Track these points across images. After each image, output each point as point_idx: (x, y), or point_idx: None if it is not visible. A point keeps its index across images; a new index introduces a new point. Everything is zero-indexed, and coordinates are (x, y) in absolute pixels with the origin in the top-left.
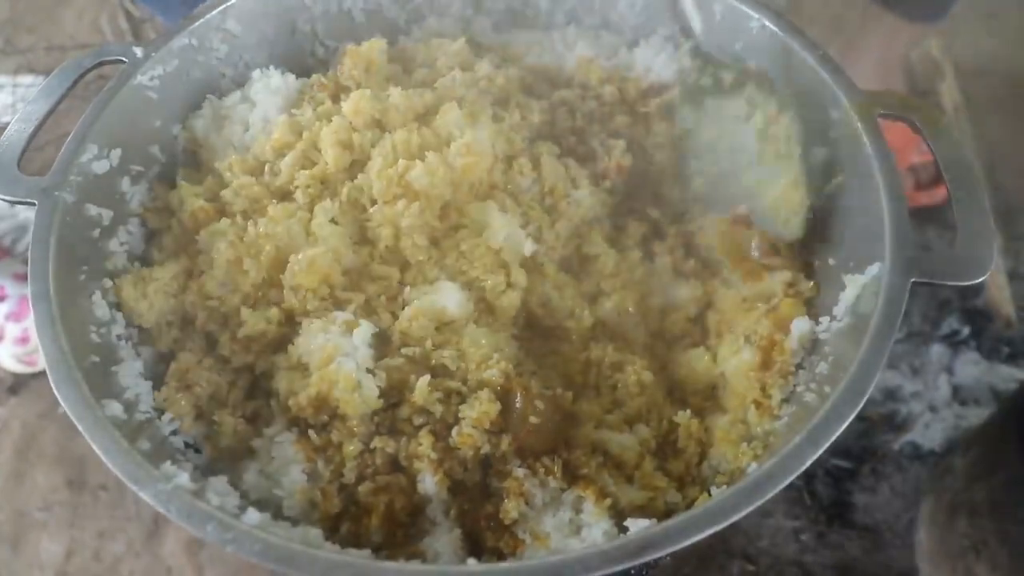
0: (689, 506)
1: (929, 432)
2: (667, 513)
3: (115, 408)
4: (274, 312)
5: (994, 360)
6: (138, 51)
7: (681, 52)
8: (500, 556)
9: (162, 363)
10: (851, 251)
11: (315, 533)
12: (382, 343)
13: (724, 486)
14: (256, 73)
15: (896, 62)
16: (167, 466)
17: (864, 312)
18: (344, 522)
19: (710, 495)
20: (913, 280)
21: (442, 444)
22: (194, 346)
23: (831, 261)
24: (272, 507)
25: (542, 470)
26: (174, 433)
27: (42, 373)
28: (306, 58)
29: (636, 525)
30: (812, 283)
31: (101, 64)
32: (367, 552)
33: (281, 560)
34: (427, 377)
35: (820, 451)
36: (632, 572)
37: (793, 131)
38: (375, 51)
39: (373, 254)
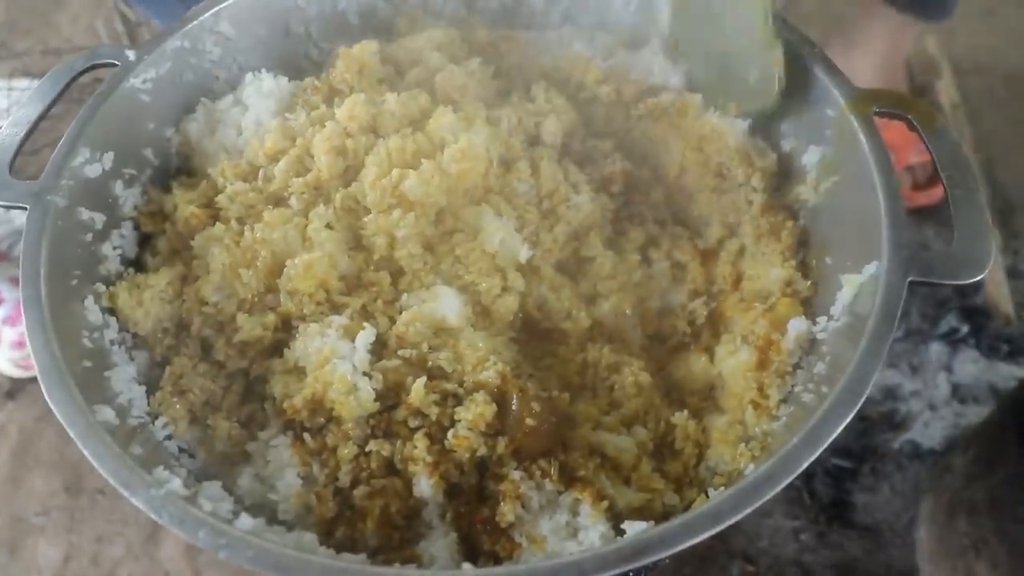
0: (687, 508)
1: (928, 431)
2: (665, 515)
3: (107, 413)
4: (270, 317)
5: (993, 358)
6: (131, 54)
7: None
8: (496, 560)
9: (156, 368)
10: (848, 250)
11: (310, 538)
12: (378, 347)
13: (722, 487)
14: (248, 76)
15: (899, 62)
16: (160, 471)
17: (862, 312)
18: (339, 526)
19: (708, 496)
20: (911, 279)
21: (438, 447)
22: (189, 351)
23: (828, 260)
24: (267, 512)
25: (538, 472)
26: (168, 438)
27: None
28: (300, 60)
29: (633, 528)
30: (809, 282)
31: (94, 67)
32: (362, 557)
33: (274, 566)
34: (424, 379)
35: (818, 452)
36: (631, 574)
37: None
38: (367, 53)
39: (369, 260)
